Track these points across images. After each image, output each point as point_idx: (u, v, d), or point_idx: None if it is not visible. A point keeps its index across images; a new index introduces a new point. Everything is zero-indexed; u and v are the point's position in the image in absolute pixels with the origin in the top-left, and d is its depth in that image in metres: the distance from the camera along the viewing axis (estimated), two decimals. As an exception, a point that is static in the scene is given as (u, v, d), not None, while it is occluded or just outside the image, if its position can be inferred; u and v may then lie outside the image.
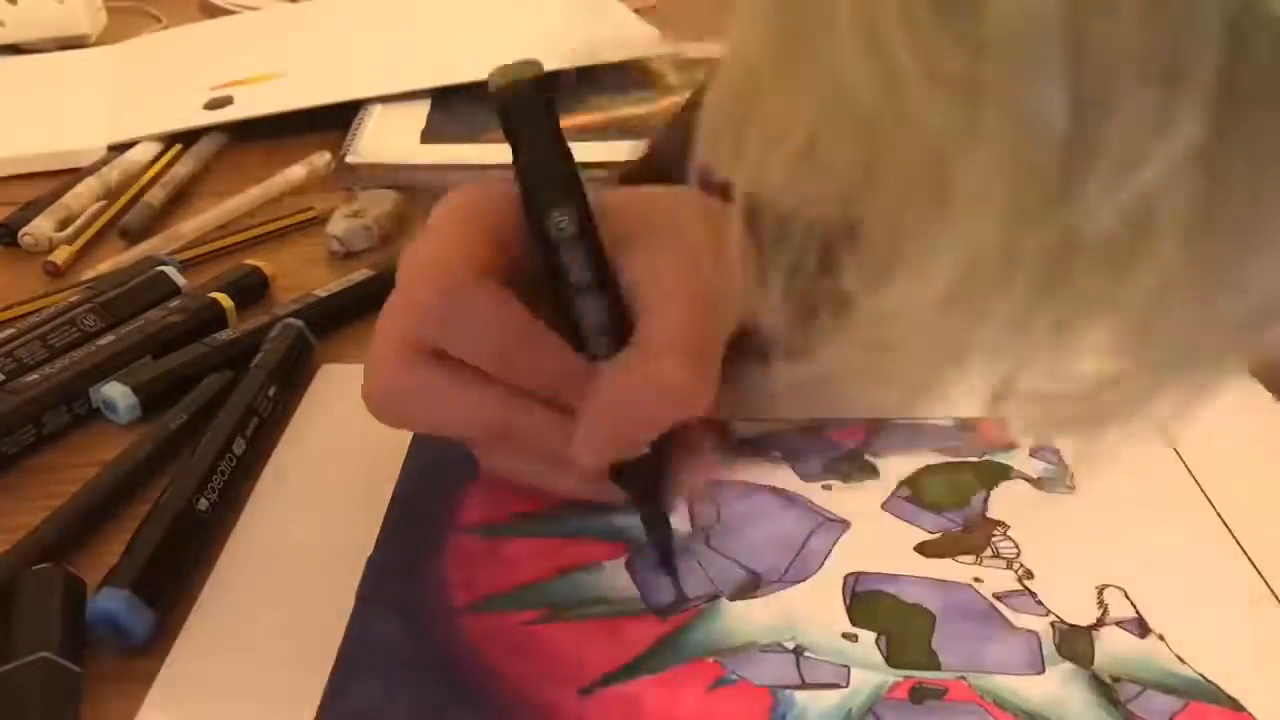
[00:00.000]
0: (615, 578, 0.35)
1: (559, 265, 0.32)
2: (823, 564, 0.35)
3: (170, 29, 0.87)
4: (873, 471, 0.39)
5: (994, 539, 0.36)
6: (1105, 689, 0.31)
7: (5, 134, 0.68)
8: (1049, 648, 0.32)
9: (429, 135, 0.65)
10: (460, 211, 0.34)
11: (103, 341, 0.45)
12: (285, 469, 0.40)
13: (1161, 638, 0.33)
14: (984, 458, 0.40)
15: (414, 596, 0.35)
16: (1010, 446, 0.40)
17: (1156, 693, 0.31)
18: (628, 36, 0.78)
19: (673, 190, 0.36)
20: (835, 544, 0.36)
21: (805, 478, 0.39)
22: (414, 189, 0.59)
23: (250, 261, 0.52)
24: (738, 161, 0.19)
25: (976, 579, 0.35)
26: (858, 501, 0.38)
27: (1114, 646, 0.32)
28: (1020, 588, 0.34)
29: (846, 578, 0.35)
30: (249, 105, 0.68)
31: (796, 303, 0.20)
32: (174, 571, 0.35)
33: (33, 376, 0.43)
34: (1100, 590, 0.34)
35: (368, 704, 0.31)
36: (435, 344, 0.33)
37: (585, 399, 0.32)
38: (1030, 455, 0.40)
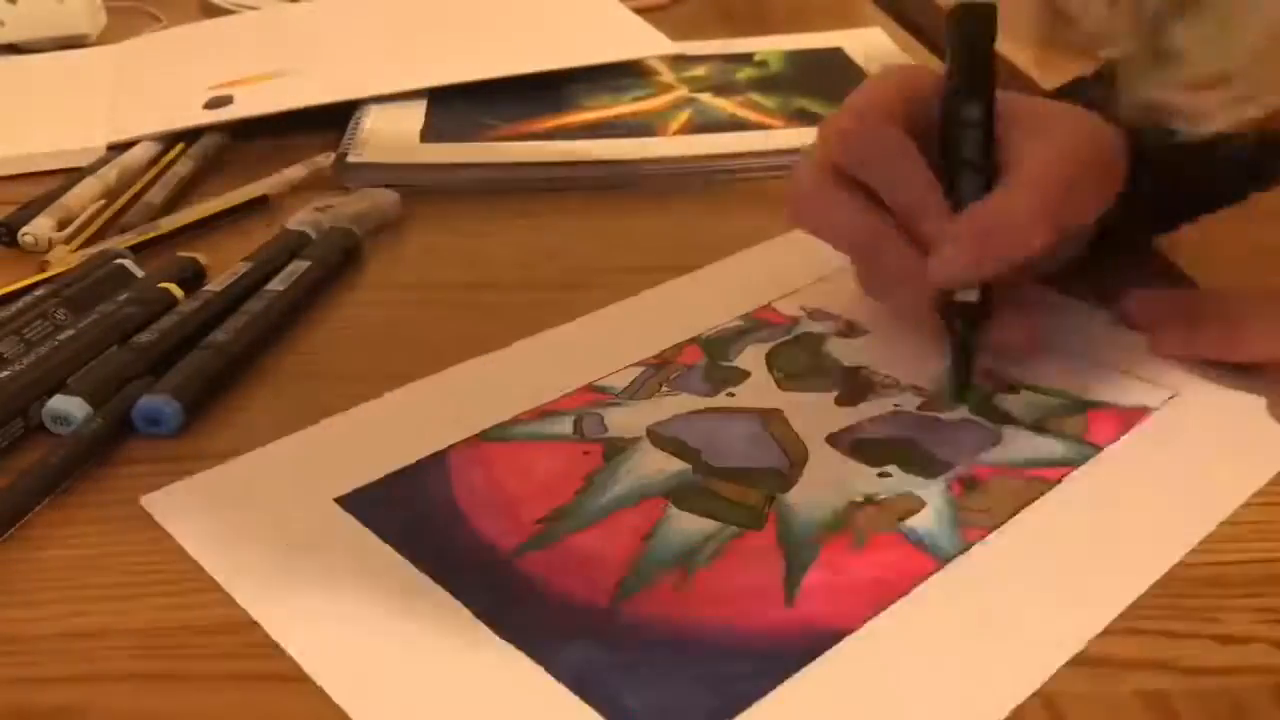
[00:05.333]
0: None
1: (956, 140, 0.42)
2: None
3: (170, 29, 0.87)
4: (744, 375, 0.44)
5: (869, 377, 0.43)
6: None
7: (5, 134, 0.68)
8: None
9: (428, 135, 0.66)
10: (891, 76, 0.45)
11: (66, 335, 0.46)
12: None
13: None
14: (792, 334, 0.46)
15: None
16: (794, 321, 0.47)
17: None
18: (628, 36, 0.78)
19: (1069, 105, 0.44)
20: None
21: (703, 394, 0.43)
22: (412, 188, 0.59)
23: (186, 254, 0.52)
24: None
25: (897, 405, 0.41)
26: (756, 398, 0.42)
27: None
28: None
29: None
30: (249, 105, 0.68)
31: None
32: (205, 387, 0.43)
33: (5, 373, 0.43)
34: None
35: None
36: (844, 166, 0.42)
37: (947, 230, 0.40)
38: (811, 319, 0.47)
